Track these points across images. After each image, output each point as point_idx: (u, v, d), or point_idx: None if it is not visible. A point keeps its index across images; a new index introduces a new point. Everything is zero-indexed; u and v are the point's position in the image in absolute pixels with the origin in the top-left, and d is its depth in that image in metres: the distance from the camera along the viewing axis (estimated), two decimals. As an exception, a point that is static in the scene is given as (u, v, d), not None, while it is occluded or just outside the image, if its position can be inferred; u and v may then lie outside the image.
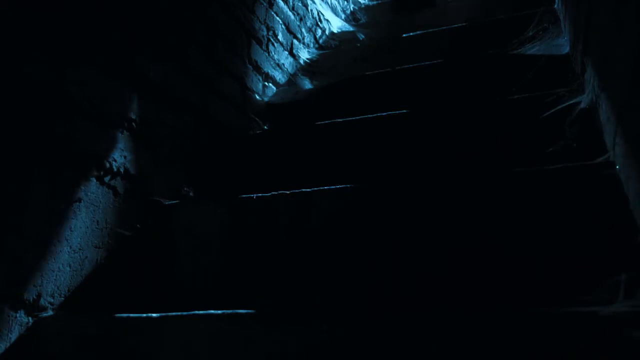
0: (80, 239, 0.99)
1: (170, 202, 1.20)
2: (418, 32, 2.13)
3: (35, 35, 0.92)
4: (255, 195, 1.12)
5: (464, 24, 2.07)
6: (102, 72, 1.07)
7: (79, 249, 0.99)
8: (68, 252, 0.96)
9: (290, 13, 2.16)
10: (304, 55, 2.22)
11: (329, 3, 2.78)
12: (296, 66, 2.11)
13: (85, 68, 1.03)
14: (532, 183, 0.89)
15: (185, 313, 0.83)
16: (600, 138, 0.94)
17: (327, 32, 2.63)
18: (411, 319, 0.69)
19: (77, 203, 0.99)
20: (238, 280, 1.06)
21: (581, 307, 0.61)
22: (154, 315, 0.86)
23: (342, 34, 2.68)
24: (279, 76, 1.94)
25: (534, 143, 1.09)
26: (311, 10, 2.43)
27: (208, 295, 1.07)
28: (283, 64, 1.99)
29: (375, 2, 3.40)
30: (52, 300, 0.92)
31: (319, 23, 2.52)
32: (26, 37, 0.90)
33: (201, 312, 0.83)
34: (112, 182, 1.08)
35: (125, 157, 1.11)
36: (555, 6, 1.66)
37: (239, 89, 1.63)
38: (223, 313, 0.81)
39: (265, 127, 1.68)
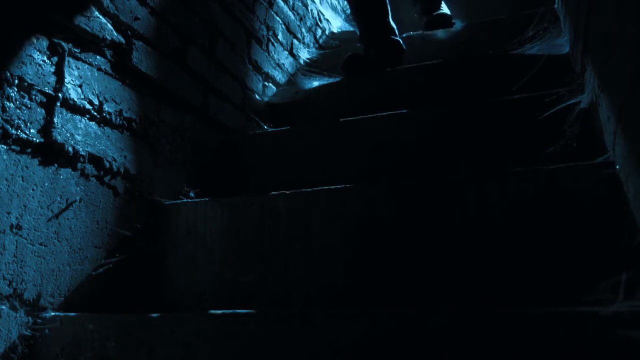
0: (80, 238, 0.99)
1: (170, 202, 1.20)
2: (420, 32, 2.13)
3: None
4: (255, 195, 1.12)
5: (464, 24, 2.07)
6: (102, 72, 1.07)
7: (79, 249, 0.99)
8: (68, 252, 0.96)
9: (290, 13, 2.16)
10: (304, 55, 2.22)
11: (329, 3, 2.78)
12: (296, 66, 2.11)
13: (85, 68, 1.03)
14: (531, 183, 0.89)
15: (185, 313, 0.84)
16: (600, 138, 0.94)
17: (327, 32, 2.62)
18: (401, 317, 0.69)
19: (77, 203, 0.99)
20: (237, 280, 1.05)
21: (581, 307, 0.61)
22: (154, 315, 0.86)
23: (342, 34, 2.68)
24: (279, 76, 1.94)
25: (534, 143, 1.09)
26: (311, 10, 2.43)
27: (208, 295, 1.07)
28: (283, 64, 1.99)
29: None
30: (52, 300, 0.92)
31: (319, 23, 2.52)
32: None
33: (201, 312, 0.83)
34: (112, 182, 1.08)
35: (125, 157, 1.11)
36: (555, 6, 1.66)
37: (239, 88, 1.63)
38: (223, 313, 0.81)
39: (266, 127, 1.68)
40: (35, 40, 0.92)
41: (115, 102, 1.10)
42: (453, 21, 2.20)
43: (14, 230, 0.86)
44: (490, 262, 0.89)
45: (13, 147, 0.87)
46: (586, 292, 0.62)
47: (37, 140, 0.91)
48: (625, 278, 0.59)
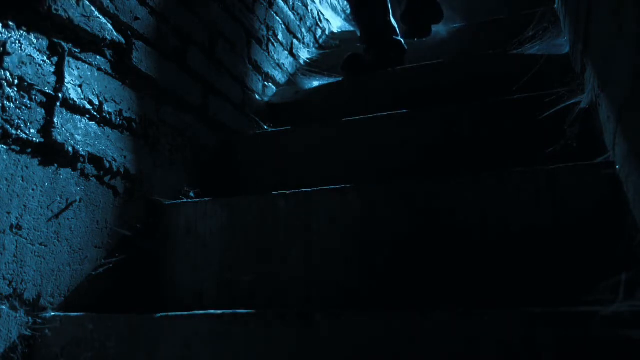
0: (80, 238, 0.99)
1: (170, 202, 1.20)
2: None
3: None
4: (255, 195, 1.12)
5: (464, 24, 2.08)
6: (102, 72, 1.07)
7: (79, 249, 0.99)
8: (68, 252, 0.96)
9: (290, 13, 2.16)
10: (304, 55, 2.22)
11: (329, 3, 2.78)
12: (296, 66, 2.11)
13: (85, 68, 1.03)
14: (532, 183, 0.89)
15: (185, 313, 0.84)
16: (600, 138, 0.94)
17: (327, 32, 2.63)
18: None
19: (77, 203, 0.99)
20: (237, 280, 1.05)
21: (581, 307, 0.61)
22: (154, 315, 0.86)
23: (342, 34, 2.68)
24: (279, 76, 1.94)
25: (534, 143, 1.09)
26: (311, 10, 2.43)
27: (208, 295, 1.07)
28: (283, 64, 1.99)
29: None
30: (52, 300, 0.92)
31: (319, 23, 2.52)
32: None
33: (201, 312, 0.83)
34: (112, 182, 1.08)
35: (125, 157, 1.11)
36: (555, 6, 1.66)
37: (239, 88, 1.63)
38: (223, 313, 0.81)
39: (266, 127, 1.68)
40: (35, 40, 0.92)
41: (115, 102, 1.10)
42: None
43: (14, 230, 0.86)
44: (490, 263, 0.89)
45: (13, 147, 0.87)
46: (586, 292, 0.62)
47: (37, 140, 0.91)
48: (625, 278, 0.59)
